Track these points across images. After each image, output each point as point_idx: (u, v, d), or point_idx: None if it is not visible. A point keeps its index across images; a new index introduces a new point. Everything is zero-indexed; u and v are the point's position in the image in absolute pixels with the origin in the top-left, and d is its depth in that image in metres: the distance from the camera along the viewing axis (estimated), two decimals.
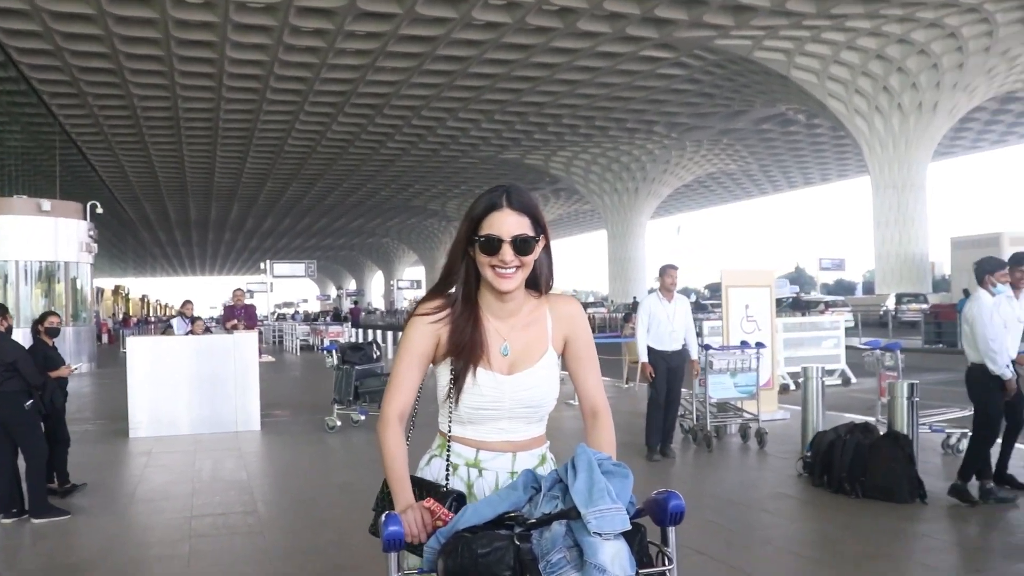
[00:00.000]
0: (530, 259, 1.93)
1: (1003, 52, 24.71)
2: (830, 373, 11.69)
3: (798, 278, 63.12)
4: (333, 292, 78.99)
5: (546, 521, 1.76)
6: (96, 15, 21.30)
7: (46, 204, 15.86)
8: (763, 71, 26.35)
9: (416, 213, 56.78)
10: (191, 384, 9.42)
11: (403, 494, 1.93)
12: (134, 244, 71.91)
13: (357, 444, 8.42)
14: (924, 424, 6.58)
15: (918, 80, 25.50)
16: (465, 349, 1.98)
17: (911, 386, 5.78)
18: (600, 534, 1.68)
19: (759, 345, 7.67)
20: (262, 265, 31.38)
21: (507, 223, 1.89)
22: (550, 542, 1.75)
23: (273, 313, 46.10)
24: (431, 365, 2.05)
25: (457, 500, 1.92)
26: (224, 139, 34.07)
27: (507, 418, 2.02)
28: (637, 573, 1.73)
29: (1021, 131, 37.13)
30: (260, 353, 12.66)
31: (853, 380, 12.59)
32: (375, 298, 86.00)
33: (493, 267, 1.92)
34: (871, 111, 26.50)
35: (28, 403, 5.61)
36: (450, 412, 2.03)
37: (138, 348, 9.53)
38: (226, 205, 51.70)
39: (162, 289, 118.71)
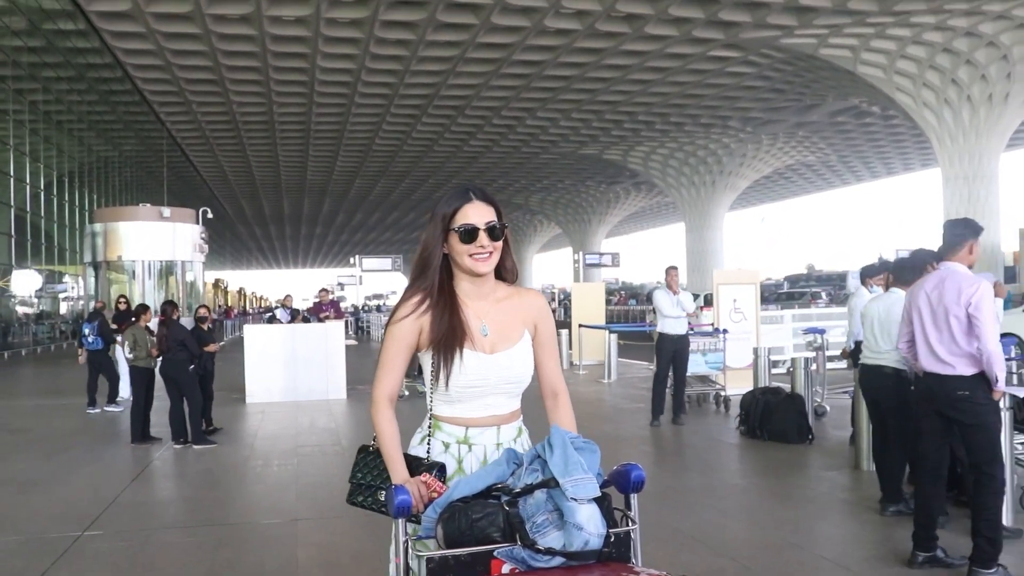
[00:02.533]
0: (500, 244, 2.32)
1: None
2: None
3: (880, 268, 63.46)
4: None
5: (529, 490, 2.06)
6: (202, 34, 24.44)
7: (166, 211, 19.18)
8: (830, 67, 27.68)
9: (502, 207, 59.46)
10: (292, 362, 12.35)
11: (399, 469, 2.25)
12: (232, 239, 77.16)
13: (418, 406, 11.31)
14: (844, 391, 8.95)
15: (988, 72, 26.55)
16: (448, 334, 2.30)
17: (806, 360, 8.15)
18: (576, 499, 1.97)
19: (724, 331, 10.12)
20: (352, 260, 34.61)
21: (479, 213, 2.28)
22: (534, 507, 2.03)
23: (363, 305, 49.86)
24: (417, 353, 2.38)
25: (440, 471, 2.27)
26: (316, 140, 37.22)
27: (492, 394, 2.35)
28: (608, 531, 2.02)
29: None
30: (347, 337, 15.56)
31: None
32: None
33: (471, 254, 2.27)
34: (940, 104, 27.69)
35: (191, 367, 8.70)
36: (438, 393, 2.36)
37: (252, 333, 12.58)
38: (318, 201, 55.52)
39: (258, 281, 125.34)
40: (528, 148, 39.91)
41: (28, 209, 29.30)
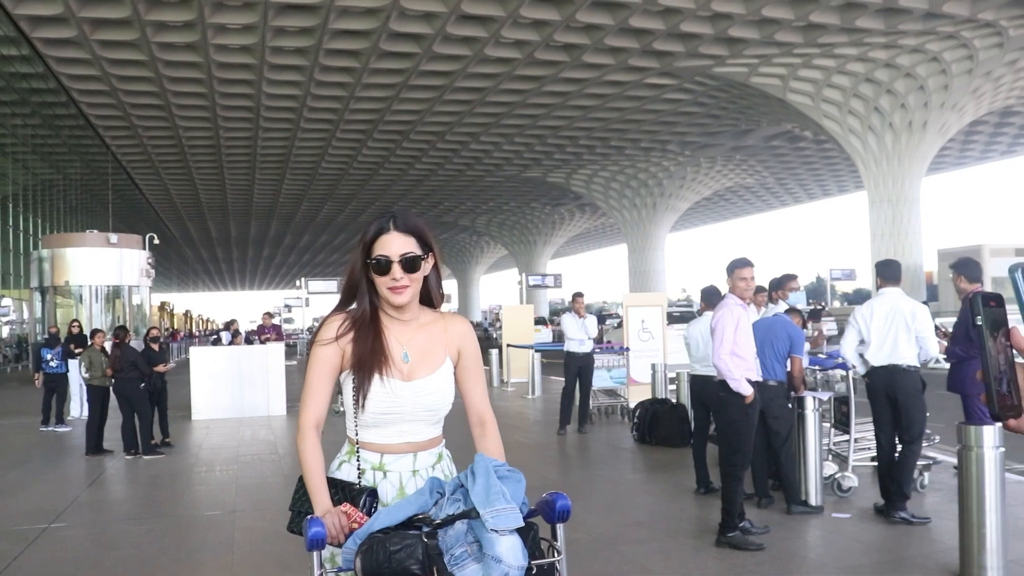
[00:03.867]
0: (419, 275, 2.31)
1: (986, 73, 27.53)
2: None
3: (816, 288, 66.08)
4: None
5: (450, 521, 2.10)
6: (148, 60, 25.20)
7: (113, 238, 20.09)
8: (762, 95, 29.33)
9: (448, 228, 60.67)
10: (235, 381, 13.40)
11: (322, 500, 2.23)
12: (178, 261, 77.32)
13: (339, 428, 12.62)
14: None
15: (907, 100, 28.39)
16: (368, 358, 2.31)
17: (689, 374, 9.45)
18: (496, 530, 2.03)
19: (627, 349, 11.45)
20: (298, 282, 35.48)
21: (394, 244, 2.28)
22: (453, 539, 2.08)
23: (309, 327, 50.60)
24: (340, 375, 2.39)
25: (370, 496, 2.28)
26: (262, 163, 38.04)
27: (408, 421, 2.35)
28: (530, 563, 2.07)
29: None
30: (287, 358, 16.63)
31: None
32: None
33: (388, 286, 2.29)
34: (864, 130, 29.53)
35: (142, 385, 9.76)
36: (357, 418, 2.36)
37: (198, 355, 13.64)
38: (265, 223, 56.21)
39: (204, 304, 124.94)
40: (472, 171, 41.22)
41: None
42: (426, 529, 2.11)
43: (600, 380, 11.19)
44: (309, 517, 2.18)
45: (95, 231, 21.83)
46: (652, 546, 5.79)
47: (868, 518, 6.37)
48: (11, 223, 35.18)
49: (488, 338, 37.20)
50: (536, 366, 15.29)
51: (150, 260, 20.95)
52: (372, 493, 2.29)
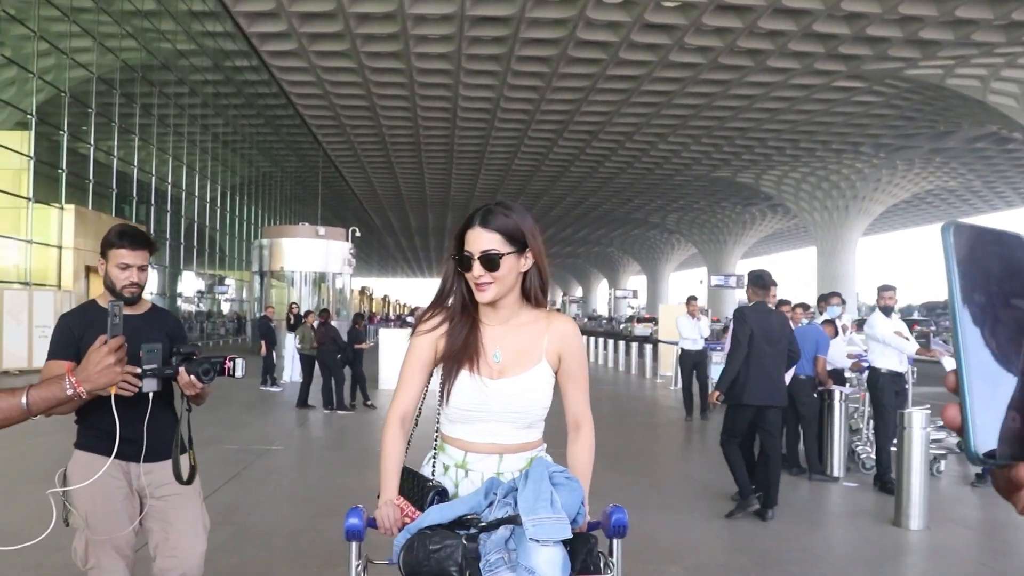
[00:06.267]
0: (501, 273, 2.28)
1: None
2: None
3: None
4: (559, 297, 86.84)
5: (495, 525, 2.15)
6: (357, 67, 28.49)
7: (321, 230, 23.45)
8: (959, 97, 29.00)
9: (638, 225, 62.51)
10: None
11: (388, 489, 2.32)
12: (379, 248, 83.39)
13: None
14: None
15: None
16: (458, 352, 2.37)
17: None
18: (537, 540, 2.04)
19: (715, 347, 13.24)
20: None
21: (477, 241, 2.28)
22: (492, 544, 2.13)
23: None
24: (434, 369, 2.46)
25: (440, 494, 2.34)
26: (459, 159, 41.32)
27: (494, 420, 2.36)
28: None
29: None
30: None
31: None
32: (600, 305, 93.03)
33: (473, 283, 2.32)
34: None
35: (339, 356, 12.58)
36: (441, 412, 2.45)
37: (386, 335, 16.57)
38: (460, 215, 59.69)
39: (400, 289, 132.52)
40: (661, 170, 42.90)
41: (196, 219, 34.66)
42: (473, 531, 2.19)
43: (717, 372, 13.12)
44: (352, 508, 2.36)
45: (306, 224, 25.39)
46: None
47: (868, 487, 8.15)
48: (235, 211, 40.23)
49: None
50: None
51: (352, 251, 24.15)
52: (442, 492, 2.36)
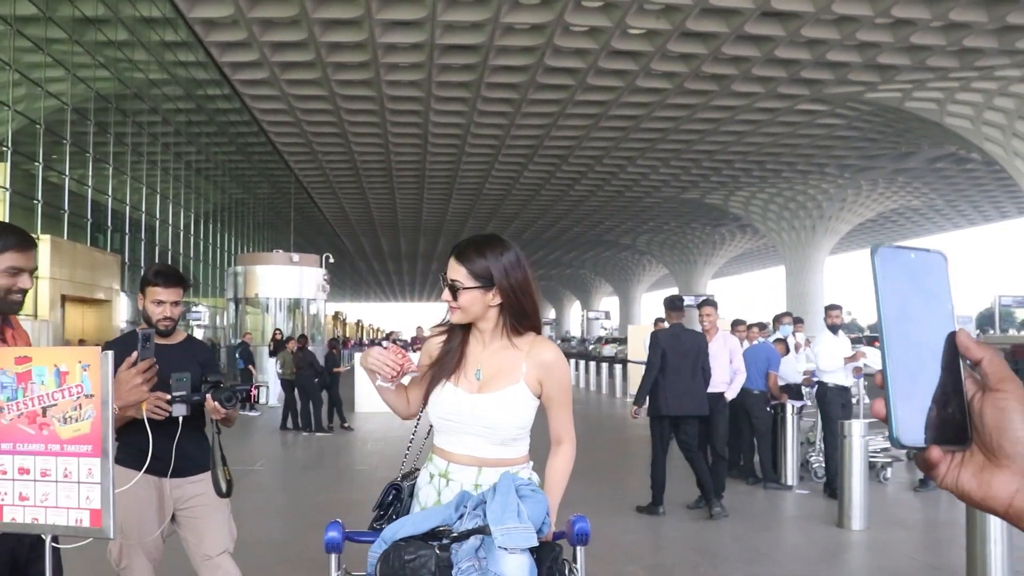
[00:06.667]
0: (463, 303, 2.52)
1: None
2: None
3: (985, 315, 64.13)
4: None
5: (466, 535, 2.29)
6: (328, 95, 29.04)
7: (295, 257, 23.93)
8: (917, 119, 29.85)
9: (609, 247, 63.27)
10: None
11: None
12: (351, 273, 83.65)
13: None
14: None
15: None
16: (444, 361, 2.60)
17: None
18: (505, 548, 2.20)
19: None
20: None
21: (450, 270, 2.56)
22: (463, 553, 2.28)
23: None
24: None
25: (396, 489, 2.66)
26: (430, 184, 41.81)
27: (468, 433, 2.53)
28: None
29: None
30: None
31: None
32: (573, 327, 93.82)
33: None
34: None
35: (316, 380, 13.01)
36: (430, 417, 2.64)
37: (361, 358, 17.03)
38: (433, 239, 60.52)
39: (375, 313, 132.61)
40: (631, 192, 43.67)
41: (170, 247, 34.91)
42: (445, 541, 2.32)
43: None
44: (330, 522, 2.55)
45: (280, 251, 25.85)
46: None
47: (819, 494, 8.73)
48: (207, 239, 40.50)
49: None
50: None
51: (326, 277, 24.63)
52: (398, 487, 2.65)
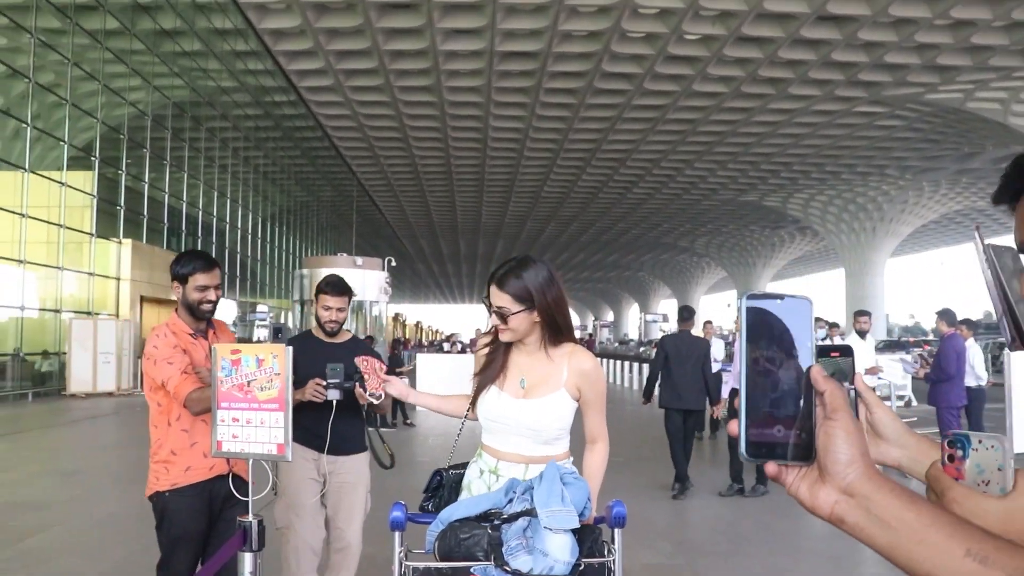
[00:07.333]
0: (512, 325, 2.80)
1: None
2: (901, 397, 17.36)
3: None
4: (590, 322, 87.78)
5: (515, 517, 2.53)
6: (390, 100, 30.02)
7: (359, 260, 24.76)
8: (980, 119, 29.75)
9: (667, 249, 63.47)
10: (453, 380, 17.35)
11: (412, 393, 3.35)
12: (411, 275, 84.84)
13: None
14: None
15: None
16: (490, 371, 2.91)
17: None
18: (550, 528, 2.42)
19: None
20: None
21: (494, 298, 2.82)
22: (512, 532, 2.51)
23: None
24: None
25: (439, 475, 3.02)
26: (489, 187, 42.65)
27: (515, 434, 2.84)
28: (579, 560, 2.48)
29: None
30: None
31: (914, 403, 17.80)
32: (631, 329, 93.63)
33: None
34: None
35: None
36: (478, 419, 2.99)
37: (423, 360, 17.82)
38: (492, 241, 61.35)
39: (433, 315, 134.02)
40: (689, 195, 43.98)
41: (239, 249, 36.21)
42: (496, 522, 2.55)
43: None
44: (394, 503, 2.79)
45: (344, 254, 26.77)
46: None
47: None
48: (273, 241, 41.82)
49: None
50: None
51: (388, 280, 25.48)
52: (440, 473, 3.03)
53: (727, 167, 37.95)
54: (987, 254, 1.13)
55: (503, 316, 2.80)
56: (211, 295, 3.77)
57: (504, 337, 2.84)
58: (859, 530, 0.84)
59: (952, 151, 34.64)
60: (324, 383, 3.90)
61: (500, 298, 2.80)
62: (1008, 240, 1.11)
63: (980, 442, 1.08)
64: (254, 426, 2.92)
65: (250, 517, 2.91)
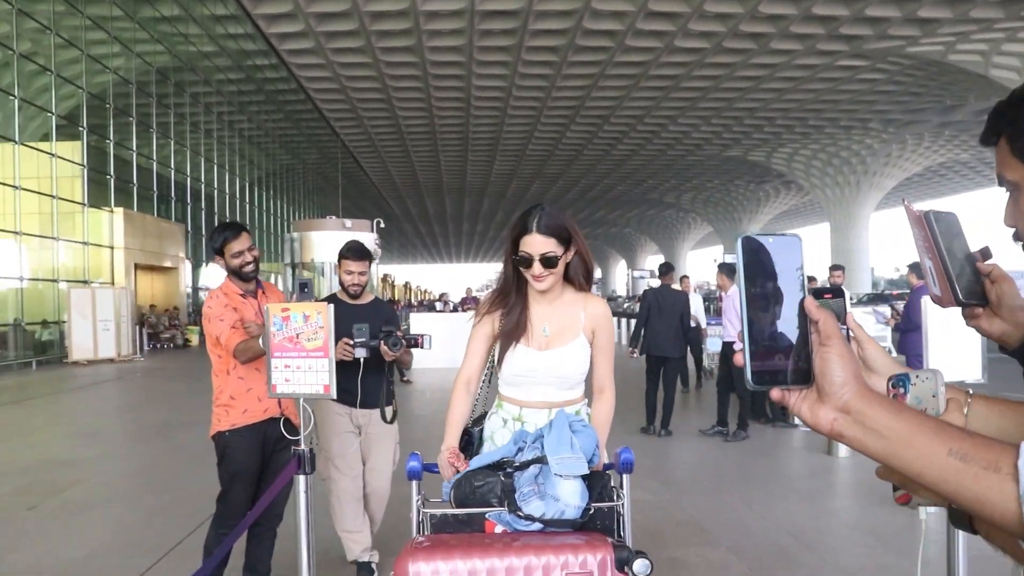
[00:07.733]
0: (557, 268, 2.85)
1: None
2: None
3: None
4: None
5: (526, 465, 2.63)
6: (372, 62, 29.83)
7: (348, 223, 25.26)
8: (962, 72, 29.72)
9: (653, 205, 63.62)
10: (446, 338, 17.92)
11: (449, 439, 2.95)
12: (399, 236, 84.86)
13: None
14: None
15: None
16: (514, 329, 2.97)
17: None
18: (560, 475, 2.49)
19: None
20: None
21: (535, 244, 2.81)
22: (524, 479, 2.60)
23: None
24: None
25: (466, 435, 3.10)
26: (474, 147, 42.77)
27: (542, 384, 2.97)
28: (589, 504, 2.55)
29: None
30: None
31: (894, 353, 18.64)
32: (619, 286, 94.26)
33: (531, 276, 2.87)
34: None
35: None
36: (499, 376, 3.07)
37: (418, 319, 18.39)
38: (477, 200, 61.45)
39: (422, 275, 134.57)
40: (673, 151, 44.24)
41: (227, 214, 36.45)
42: (509, 470, 2.66)
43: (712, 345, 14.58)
44: (411, 453, 2.88)
45: (333, 217, 27.25)
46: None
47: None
48: (260, 205, 42.10)
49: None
50: None
51: (377, 241, 25.99)
52: (468, 433, 3.10)
53: (711, 122, 38.18)
54: (926, 220, 1.33)
55: (552, 261, 2.85)
56: (248, 257, 4.19)
57: (544, 285, 2.89)
58: (856, 441, 0.93)
59: (934, 104, 34.79)
60: (351, 342, 4.28)
61: (546, 243, 2.85)
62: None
63: (917, 377, 1.20)
64: (303, 371, 3.41)
65: (304, 445, 3.43)
